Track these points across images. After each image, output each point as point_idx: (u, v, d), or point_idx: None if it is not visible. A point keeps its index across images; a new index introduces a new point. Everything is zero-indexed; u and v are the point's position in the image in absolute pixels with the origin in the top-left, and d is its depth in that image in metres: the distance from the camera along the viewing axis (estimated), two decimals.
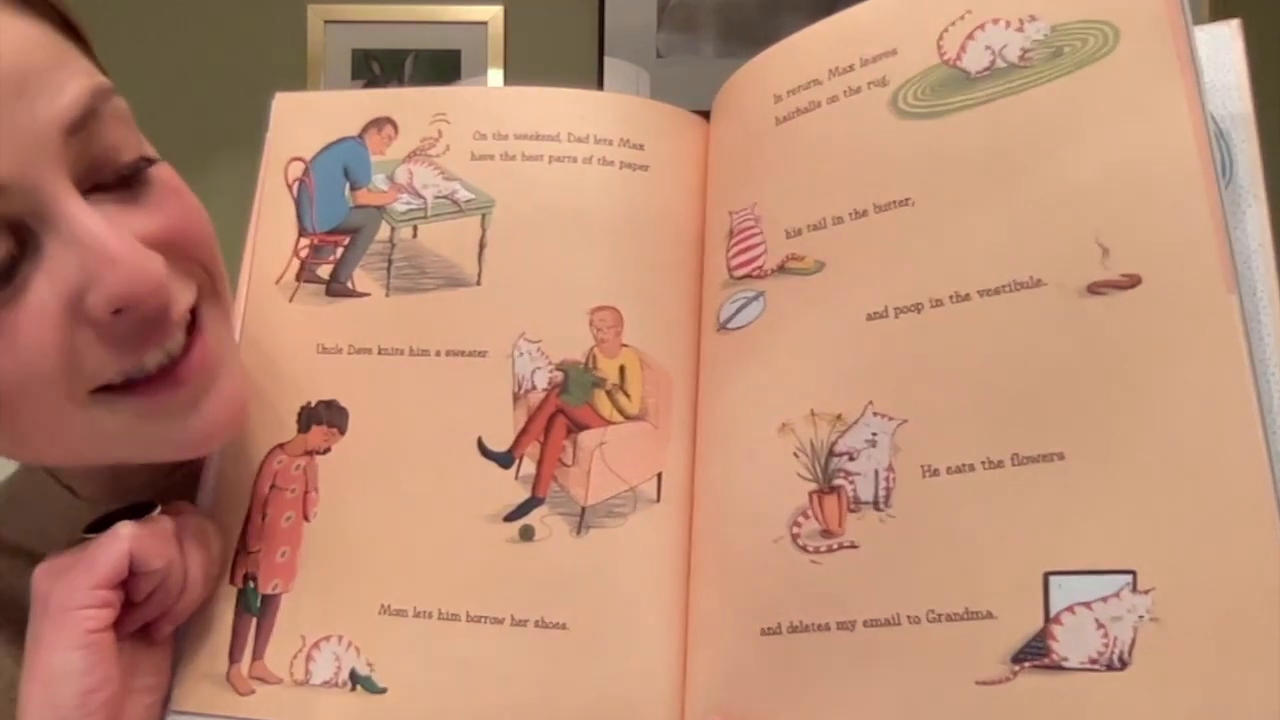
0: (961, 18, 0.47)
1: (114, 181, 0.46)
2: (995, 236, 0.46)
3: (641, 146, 0.56)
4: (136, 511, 0.50)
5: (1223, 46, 0.47)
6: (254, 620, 0.53)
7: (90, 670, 0.47)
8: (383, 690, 0.51)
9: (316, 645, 0.52)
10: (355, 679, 0.51)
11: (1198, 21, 0.44)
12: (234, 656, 0.53)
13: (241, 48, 2.13)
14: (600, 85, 1.92)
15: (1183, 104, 0.43)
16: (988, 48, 0.47)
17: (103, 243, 0.44)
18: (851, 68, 0.50)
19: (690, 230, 0.56)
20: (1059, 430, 0.43)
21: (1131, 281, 0.43)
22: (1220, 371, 0.41)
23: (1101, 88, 0.44)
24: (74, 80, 0.44)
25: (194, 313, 0.49)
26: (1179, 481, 0.42)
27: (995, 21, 0.47)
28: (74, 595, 0.48)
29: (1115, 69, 0.44)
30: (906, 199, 0.48)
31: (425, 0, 1.94)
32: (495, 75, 1.94)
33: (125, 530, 0.49)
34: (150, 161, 0.48)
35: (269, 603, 0.53)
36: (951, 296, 0.46)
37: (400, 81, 1.92)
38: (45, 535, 0.58)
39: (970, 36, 0.47)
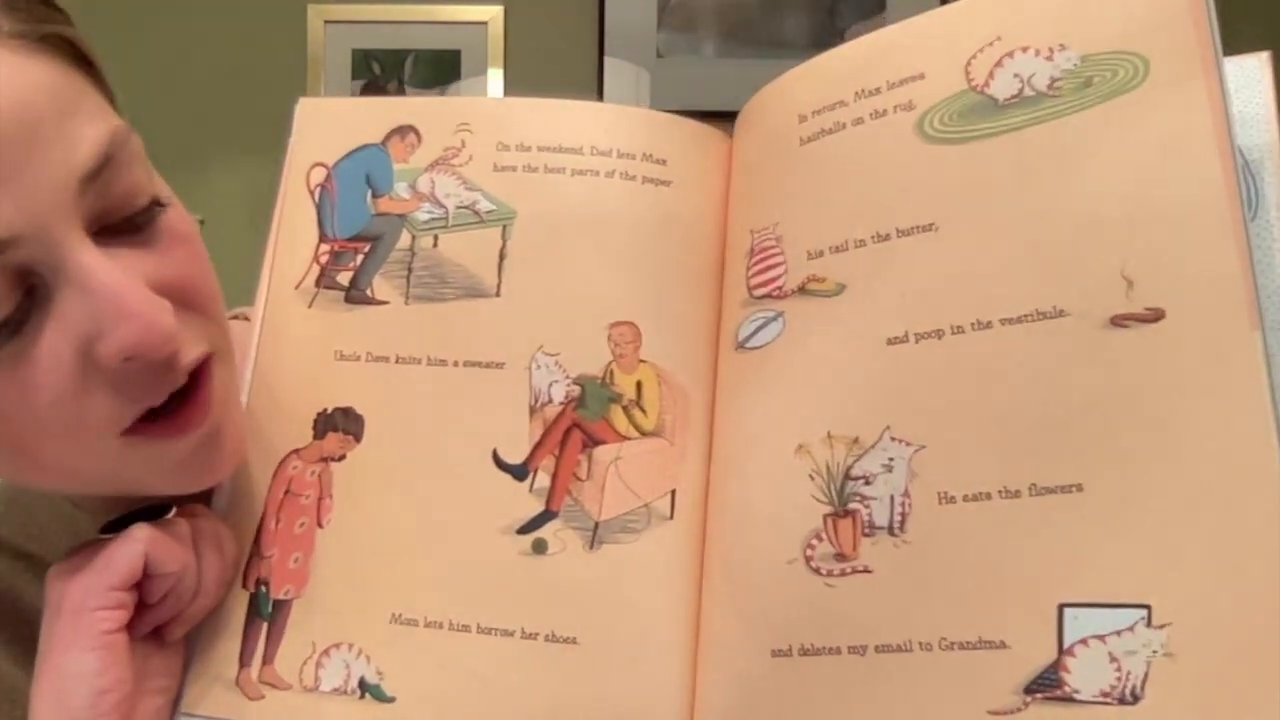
0: (991, 44, 0.47)
1: (125, 225, 0.46)
2: (1019, 265, 0.45)
3: (664, 162, 0.56)
4: (152, 514, 0.51)
5: (1251, 79, 0.47)
6: (265, 625, 0.53)
7: (104, 671, 0.47)
8: (391, 699, 0.51)
9: (327, 652, 0.52)
10: (364, 687, 0.51)
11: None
12: (244, 661, 0.53)
13: (241, 47, 2.15)
14: (600, 85, 1.93)
15: (1211, 138, 0.43)
16: (1016, 75, 0.47)
17: (116, 294, 0.43)
18: (878, 90, 0.50)
19: (711, 247, 0.56)
20: (1077, 462, 0.43)
21: (1155, 315, 0.43)
22: (1241, 408, 0.41)
23: (1130, 119, 0.44)
24: (90, 126, 0.44)
25: (204, 366, 0.49)
26: (1197, 517, 0.41)
27: (1025, 49, 0.47)
28: (89, 596, 0.48)
29: (1144, 101, 0.44)
30: (930, 224, 0.47)
31: (425, 0, 1.95)
32: (495, 75, 1.94)
33: (141, 532, 0.49)
34: (162, 206, 0.48)
35: (280, 608, 0.53)
36: (973, 324, 0.46)
37: (400, 81, 1.94)
38: (45, 538, 0.58)
39: (999, 64, 0.47)
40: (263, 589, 0.54)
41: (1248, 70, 0.47)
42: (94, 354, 0.44)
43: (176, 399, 0.48)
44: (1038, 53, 0.46)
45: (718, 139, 0.58)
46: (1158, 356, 0.43)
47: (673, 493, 0.53)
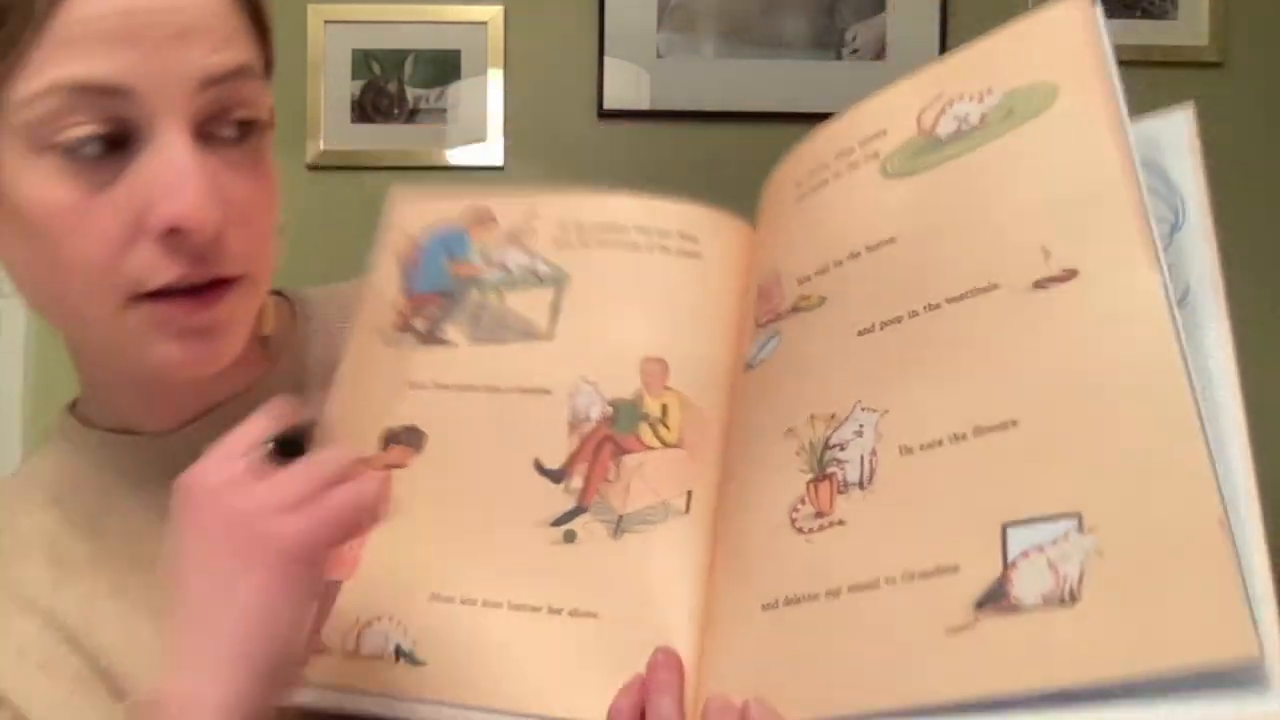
0: (935, 99, 0.58)
1: (227, 132, 0.56)
2: (960, 257, 0.54)
3: (696, 240, 0.67)
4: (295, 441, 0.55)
5: (1178, 129, 0.55)
6: (315, 604, 0.59)
7: (316, 614, 0.54)
8: (423, 663, 0.58)
9: (369, 624, 0.59)
10: (400, 653, 0.58)
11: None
12: None
13: None
14: (600, 85, 1.89)
15: (1108, 136, 0.51)
16: (955, 118, 0.57)
17: (182, 174, 0.53)
18: (852, 149, 0.61)
19: (730, 303, 0.66)
20: (1013, 402, 0.50)
21: (1070, 275, 0.50)
22: (1149, 336, 0.47)
23: (1044, 132, 0.54)
24: (229, 50, 0.55)
25: (230, 281, 0.57)
26: (1116, 434, 0.47)
27: (961, 98, 0.57)
28: (323, 536, 0.51)
29: (1055, 117, 0.54)
30: (891, 238, 0.57)
31: (425, 0, 1.92)
32: (495, 75, 1.90)
33: (373, 482, 0.53)
34: (265, 130, 0.58)
35: (331, 588, 0.61)
36: (925, 306, 0.54)
37: (400, 81, 1.91)
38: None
39: (942, 112, 0.58)
40: None
41: (1175, 122, 0.56)
42: (145, 219, 0.54)
43: (193, 293, 0.56)
44: (971, 98, 0.57)
45: (742, 226, 0.69)
46: (1074, 306, 0.50)
47: (689, 493, 0.60)
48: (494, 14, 1.90)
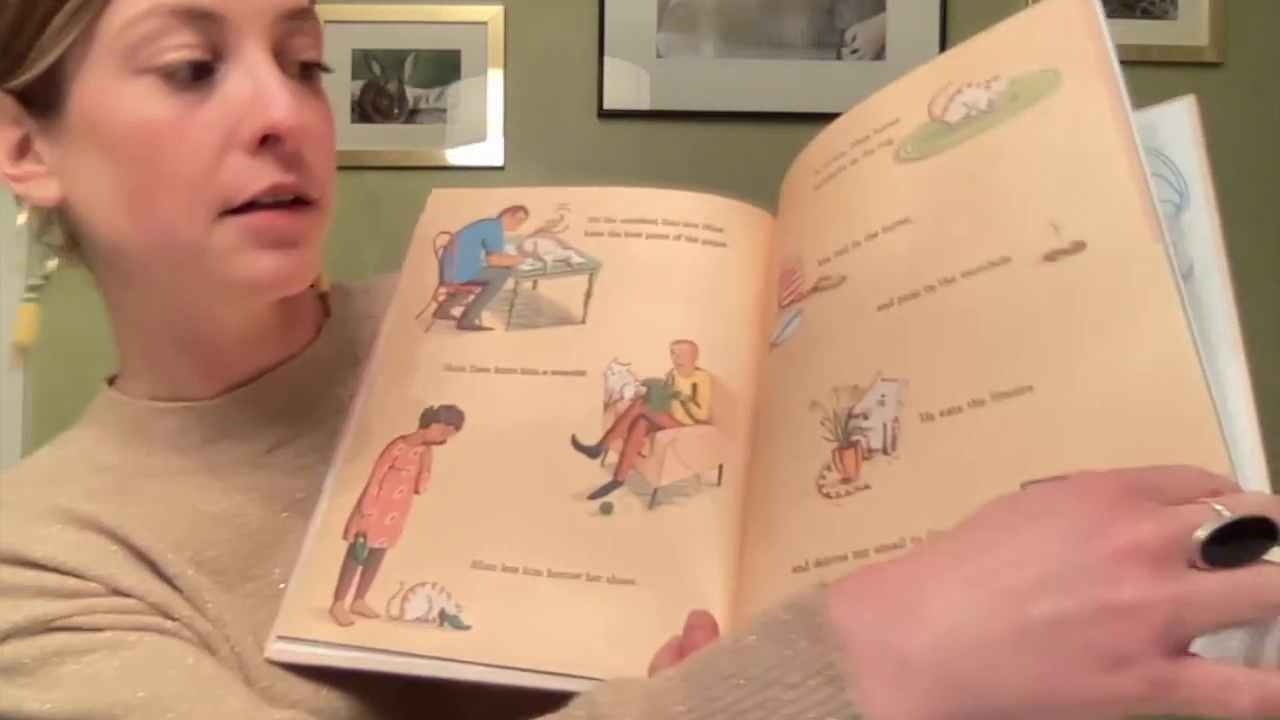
0: (945, 87, 0.61)
1: (290, 74, 0.61)
2: (972, 233, 0.57)
3: (721, 230, 0.71)
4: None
5: (1181, 117, 0.58)
6: (360, 569, 0.64)
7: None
8: (467, 628, 0.61)
9: (413, 589, 0.62)
10: (444, 617, 0.61)
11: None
12: (339, 595, 0.63)
13: None
14: (600, 85, 1.90)
15: (1110, 115, 0.55)
16: (964, 104, 0.60)
17: (269, 85, 0.58)
18: (867, 138, 0.64)
19: (754, 287, 0.69)
20: (1028, 368, 0.53)
21: (1078, 247, 0.54)
22: (1154, 303, 0.51)
23: (1049, 114, 0.57)
24: None
25: (308, 204, 0.61)
26: (1127, 396, 0.50)
27: (969, 85, 0.61)
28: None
29: (1059, 99, 0.57)
30: (905, 219, 0.60)
31: (425, 0, 1.92)
32: (495, 75, 1.91)
33: None
34: (323, 72, 0.63)
35: (375, 555, 0.64)
36: (941, 281, 0.57)
37: (400, 81, 1.91)
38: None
39: (951, 99, 0.61)
40: (360, 539, 0.65)
41: (1178, 111, 0.59)
42: (238, 132, 0.58)
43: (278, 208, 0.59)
44: (978, 85, 0.60)
45: (764, 216, 0.72)
46: (1084, 276, 0.53)
47: (720, 466, 0.63)
48: (494, 14, 1.91)
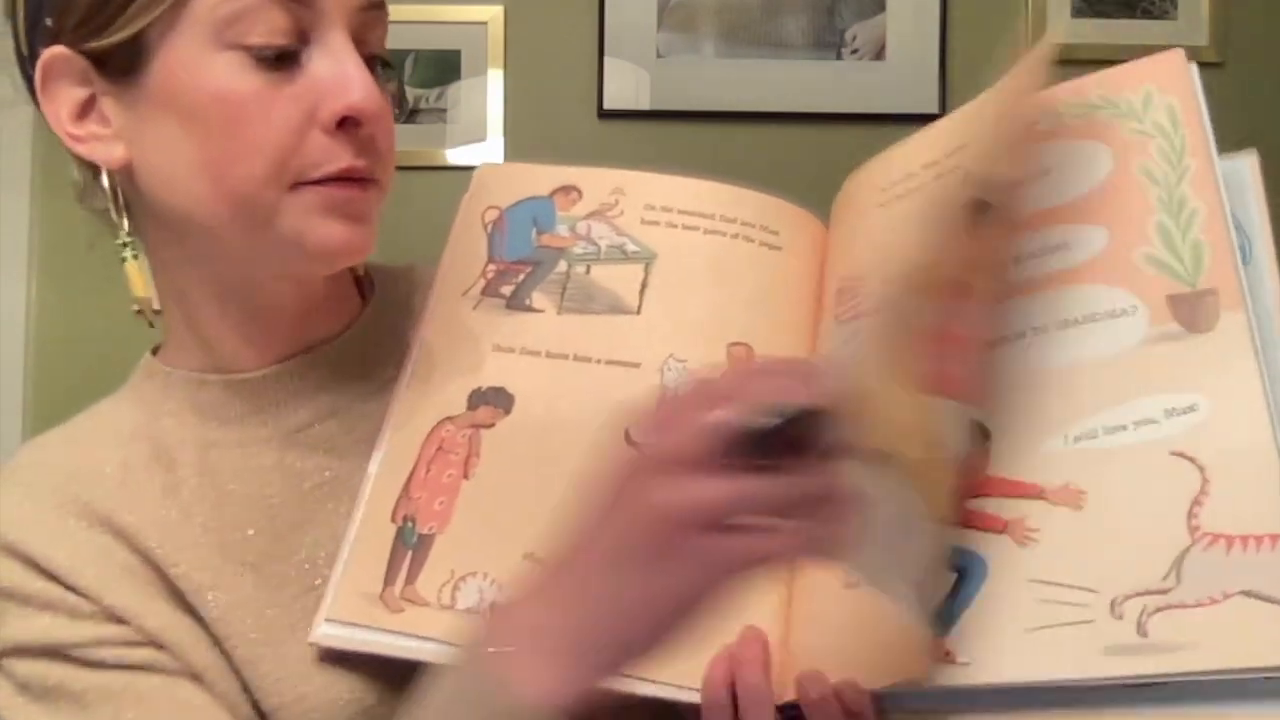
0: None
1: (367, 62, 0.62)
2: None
3: (777, 233, 0.68)
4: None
5: (1243, 174, 0.59)
6: (409, 554, 0.61)
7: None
8: None
9: (464, 579, 0.60)
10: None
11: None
12: (389, 581, 0.60)
13: None
14: (600, 85, 1.89)
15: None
16: None
17: (349, 69, 0.59)
18: (937, 161, 0.63)
19: (808, 293, 0.67)
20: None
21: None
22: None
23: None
24: None
25: (373, 182, 0.62)
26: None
27: None
28: (766, 562, 0.46)
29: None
30: None
31: (425, 0, 1.91)
32: (495, 75, 1.90)
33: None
34: (389, 70, 0.64)
35: (424, 541, 0.61)
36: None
37: (400, 81, 1.89)
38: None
39: None
40: (408, 524, 0.62)
41: (1240, 166, 0.59)
42: (318, 112, 0.59)
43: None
44: None
45: (815, 221, 0.70)
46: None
47: None
48: (494, 14, 1.92)
